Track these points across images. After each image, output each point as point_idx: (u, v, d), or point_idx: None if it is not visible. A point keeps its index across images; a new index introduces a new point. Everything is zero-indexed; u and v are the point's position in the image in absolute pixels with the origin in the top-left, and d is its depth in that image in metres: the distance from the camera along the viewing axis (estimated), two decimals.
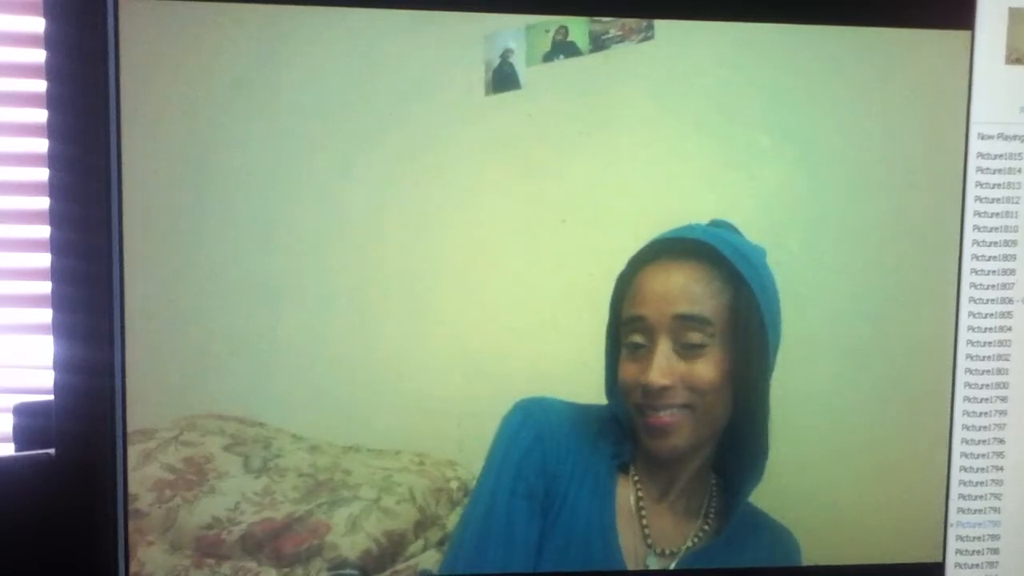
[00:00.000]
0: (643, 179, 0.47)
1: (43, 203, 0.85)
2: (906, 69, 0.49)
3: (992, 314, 0.50)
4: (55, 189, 0.45)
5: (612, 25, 0.47)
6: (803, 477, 0.50)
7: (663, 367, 0.47)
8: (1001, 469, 0.51)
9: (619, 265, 0.47)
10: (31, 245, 0.87)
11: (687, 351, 0.47)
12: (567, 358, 0.48)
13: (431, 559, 0.48)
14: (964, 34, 0.49)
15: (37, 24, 0.84)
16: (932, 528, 0.51)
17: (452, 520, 0.48)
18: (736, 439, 0.49)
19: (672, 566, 0.49)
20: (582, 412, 0.48)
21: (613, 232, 0.47)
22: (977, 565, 0.51)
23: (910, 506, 0.51)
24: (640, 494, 0.49)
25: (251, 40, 0.45)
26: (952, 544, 0.51)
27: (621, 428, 0.48)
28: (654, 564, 0.49)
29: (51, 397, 0.46)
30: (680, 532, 0.50)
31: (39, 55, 0.83)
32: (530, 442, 0.48)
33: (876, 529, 0.51)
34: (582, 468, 0.49)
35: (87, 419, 0.45)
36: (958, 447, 0.51)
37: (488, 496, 0.48)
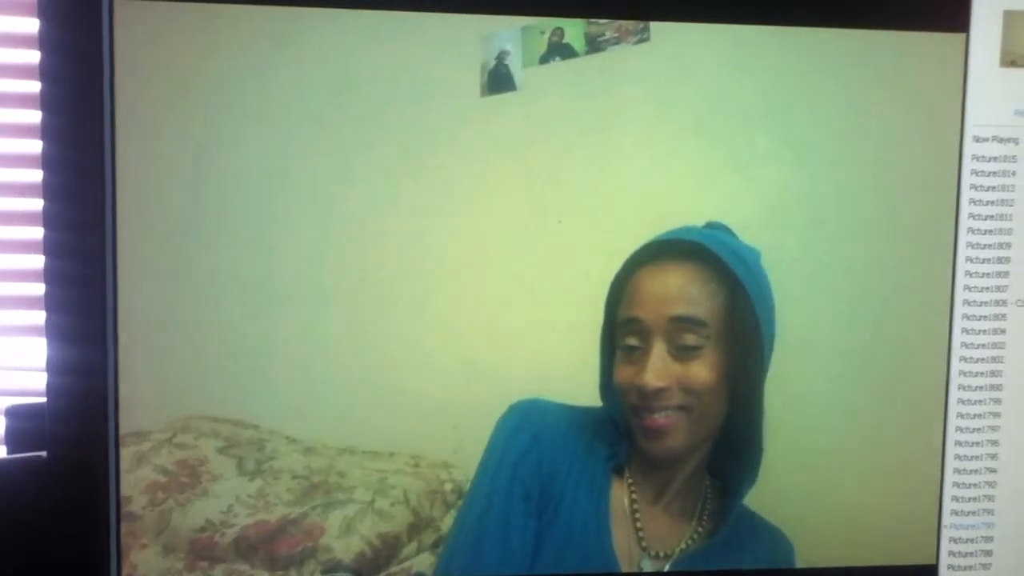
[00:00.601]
0: (639, 181, 0.47)
1: (37, 205, 0.85)
2: (901, 72, 0.49)
3: (986, 316, 0.50)
4: (49, 191, 0.44)
5: (608, 27, 0.47)
6: (797, 479, 0.50)
7: (658, 369, 0.47)
8: (995, 471, 0.51)
9: (615, 266, 0.47)
10: (25, 247, 0.87)
11: (682, 353, 0.47)
12: (563, 360, 0.48)
13: (425, 562, 0.48)
14: (959, 37, 0.49)
15: (31, 25, 0.84)
16: (925, 530, 0.51)
17: (446, 522, 0.48)
18: (731, 441, 0.49)
19: (666, 568, 0.49)
20: (578, 414, 0.48)
21: (609, 234, 0.47)
22: (970, 567, 0.51)
23: (904, 508, 0.51)
24: (634, 496, 0.49)
25: (245, 42, 0.45)
26: (945, 546, 0.51)
27: (617, 430, 0.48)
28: (648, 567, 0.49)
29: (44, 399, 0.46)
30: (674, 534, 0.50)
31: (33, 56, 0.83)
32: (526, 444, 0.48)
33: (870, 531, 0.51)
34: (577, 470, 0.48)
35: (80, 421, 0.45)
36: (952, 449, 0.51)
37: (483, 498, 0.48)
